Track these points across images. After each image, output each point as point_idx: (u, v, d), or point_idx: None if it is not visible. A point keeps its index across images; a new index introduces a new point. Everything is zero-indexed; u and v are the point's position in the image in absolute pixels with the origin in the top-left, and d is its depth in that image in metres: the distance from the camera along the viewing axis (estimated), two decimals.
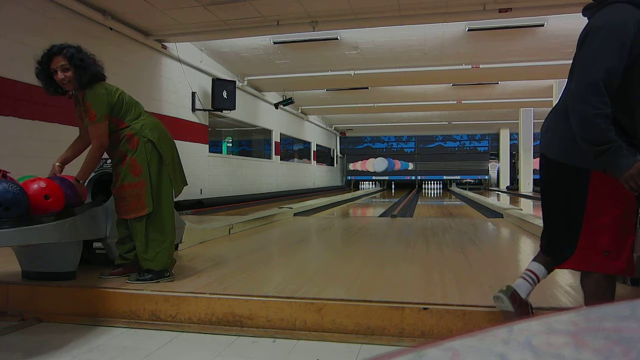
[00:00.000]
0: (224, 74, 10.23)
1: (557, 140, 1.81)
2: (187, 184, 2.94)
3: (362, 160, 24.67)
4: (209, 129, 10.07)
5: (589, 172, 1.70)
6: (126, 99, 2.80)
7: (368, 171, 24.64)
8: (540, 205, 1.94)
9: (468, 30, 8.09)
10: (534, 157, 16.83)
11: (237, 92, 10.01)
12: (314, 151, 19.01)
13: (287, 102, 13.27)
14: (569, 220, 1.77)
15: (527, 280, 1.92)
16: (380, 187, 24.12)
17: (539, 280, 1.94)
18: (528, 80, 11.32)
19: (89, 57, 2.66)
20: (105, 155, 3.23)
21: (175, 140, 2.99)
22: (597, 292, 1.78)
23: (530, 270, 1.95)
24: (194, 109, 9.25)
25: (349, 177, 24.71)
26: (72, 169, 2.80)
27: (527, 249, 4.08)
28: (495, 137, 22.53)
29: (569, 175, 1.77)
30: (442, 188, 23.12)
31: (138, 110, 2.81)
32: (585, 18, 1.85)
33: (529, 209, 9.02)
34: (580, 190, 1.72)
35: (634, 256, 1.97)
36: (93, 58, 2.70)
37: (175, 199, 2.93)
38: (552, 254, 1.91)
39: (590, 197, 1.70)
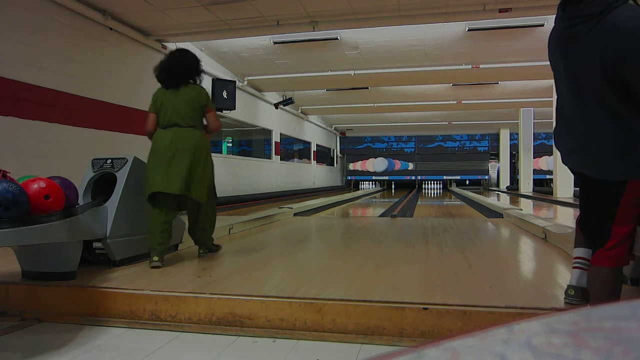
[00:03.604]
0: (224, 74, 10.23)
1: (593, 159, 1.82)
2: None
3: (362, 160, 24.67)
4: None
5: (626, 182, 1.74)
6: None
7: (368, 171, 24.64)
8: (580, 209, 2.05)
9: (468, 30, 8.10)
10: (534, 157, 16.84)
11: (237, 92, 10.01)
12: (314, 151, 19.01)
13: (287, 102, 13.27)
14: (603, 225, 1.84)
15: (583, 269, 2.04)
16: (380, 187, 24.11)
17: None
18: (528, 80, 11.33)
19: None
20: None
21: None
22: (603, 292, 1.81)
23: (580, 257, 2.08)
24: None
25: (349, 177, 24.71)
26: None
27: (527, 249, 4.08)
28: (495, 137, 22.53)
29: (608, 189, 1.80)
30: (442, 188, 23.12)
31: None
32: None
33: (529, 209, 9.02)
34: (615, 200, 1.77)
35: (634, 256, 1.98)
36: None
37: None
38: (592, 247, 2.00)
39: (622, 204, 1.76)
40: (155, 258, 2.98)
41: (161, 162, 3.06)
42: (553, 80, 1.99)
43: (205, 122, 3.29)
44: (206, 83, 10.41)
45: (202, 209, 3.30)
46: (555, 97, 2.07)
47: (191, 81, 3.26)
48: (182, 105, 3.14)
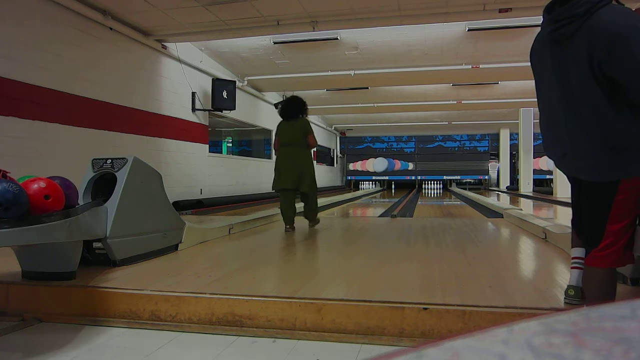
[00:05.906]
0: (224, 74, 10.23)
1: (586, 162, 1.82)
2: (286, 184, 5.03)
3: (362, 160, 24.66)
4: (209, 129, 10.07)
5: (619, 182, 1.74)
6: None
7: (368, 171, 24.63)
8: (572, 210, 2.05)
9: (468, 30, 8.09)
10: (534, 157, 16.83)
11: (237, 92, 10.00)
12: (314, 151, 18.99)
13: None
14: (596, 225, 1.85)
15: (581, 268, 2.05)
16: (380, 187, 24.11)
17: None
18: (528, 80, 11.32)
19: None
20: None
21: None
22: (598, 293, 1.81)
23: (578, 257, 2.09)
24: (194, 109, 9.25)
25: (349, 177, 24.70)
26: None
27: (527, 249, 4.08)
28: (495, 137, 22.52)
29: (601, 190, 1.81)
30: (442, 188, 23.12)
31: None
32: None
33: (529, 209, 9.02)
34: (608, 200, 1.78)
35: (634, 256, 1.98)
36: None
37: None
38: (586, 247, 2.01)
39: (615, 204, 1.77)
40: (288, 225, 4.93)
41: (283, 170, 5.03)
42: None
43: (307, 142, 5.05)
44: (206, 83, 10.38)
45: (310, 196, 5.11)
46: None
47: (301, 115, 5.13)
48: (293, 132, 5.02)
